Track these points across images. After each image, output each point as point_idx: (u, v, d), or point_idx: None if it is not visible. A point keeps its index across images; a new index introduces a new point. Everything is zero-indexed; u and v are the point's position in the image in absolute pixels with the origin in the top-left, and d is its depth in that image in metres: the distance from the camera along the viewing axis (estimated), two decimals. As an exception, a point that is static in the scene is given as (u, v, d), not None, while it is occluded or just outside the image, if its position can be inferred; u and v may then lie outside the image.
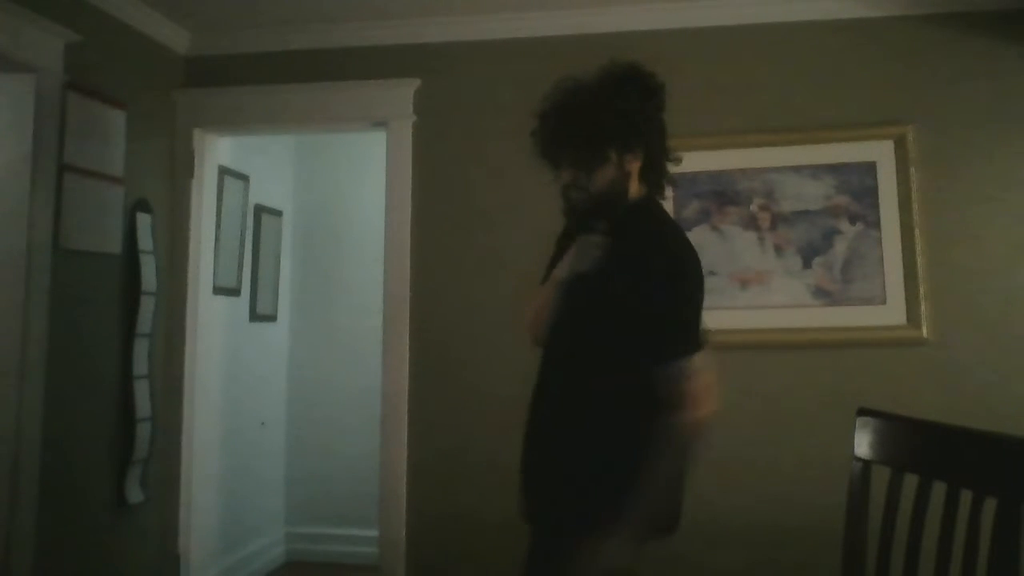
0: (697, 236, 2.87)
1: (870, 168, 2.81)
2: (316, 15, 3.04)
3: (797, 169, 2.85)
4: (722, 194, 2.88)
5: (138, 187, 2.95)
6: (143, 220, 2.95)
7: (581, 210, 1.64)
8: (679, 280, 1.58)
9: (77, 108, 2.62)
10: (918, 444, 1.43)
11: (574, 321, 1.63)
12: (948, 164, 2.78)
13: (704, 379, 1.54)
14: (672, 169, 1.71)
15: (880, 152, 2.81)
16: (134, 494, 2.86)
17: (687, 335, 1.56)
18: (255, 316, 3.92)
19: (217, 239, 3.40)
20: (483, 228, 3.01)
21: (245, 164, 3.78)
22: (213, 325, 3.36)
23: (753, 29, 2.92)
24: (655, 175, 1.68)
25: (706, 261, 2.80)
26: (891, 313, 2.75)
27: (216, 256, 3.39)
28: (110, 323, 2.81)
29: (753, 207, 2.87)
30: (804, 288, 2.81)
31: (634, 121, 1.60)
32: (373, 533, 3.13)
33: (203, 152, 3.24)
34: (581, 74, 1.64)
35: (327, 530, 4.10)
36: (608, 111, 1.59)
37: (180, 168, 3.18)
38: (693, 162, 2.89)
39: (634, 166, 1.63)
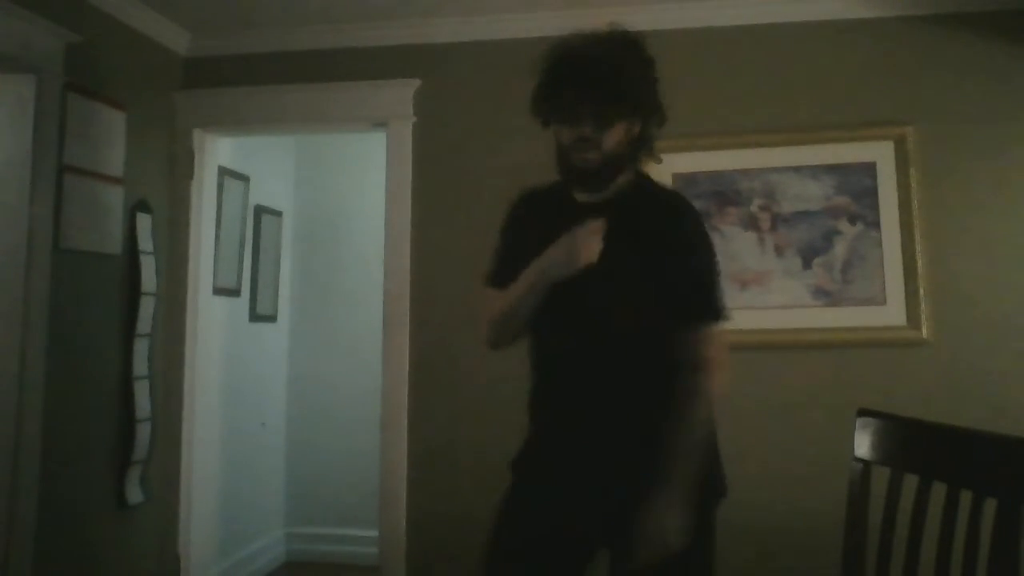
0: (697, 236, 2.88)
1: (870, 168, 2.81)
2: (316, 15, 3.04)
3: (797, 169, 2.85)
4: (722, 194, 2.88)
5: (138, 187, 2.95)
6: (143, 220, 2.95)
7: (590, 170, 1.56)
8: (706, 242, 1.63)
9: (77, 108, 2.62)
10: (918, 444, 1.44)
11: (607, 313, 1.57)
12: (948, 164, 2.78)
13: (721, 346, 1.58)
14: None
15: (880, 152, 2.81)
16: (134, 494, 2.86)
17: (717, 298, 1.60)
18: (255, 316, 3.92)
19: (217, 239, 3.40)
20: (483, 228, 3.00)
21: (245, 164, 3.78)
22: (213, 325, 3.36)
23: (753, 29, 2.92)
24: (643, 148, 1.64)
25: (706, 261, 2.84)
26: (891, 313, 2.75)
27: (216, 256, 3.39)
28: (110, 323, 2.81)
29: (753, 207, 2.87)
30: (804, 288, 2.81)
31: (647, 86, 1.59)
32: (373, 533, 3.12)
33: (203, 152, 3.24)
34: (581, 37, 1.60)
35: (327, 530, 4.10)
36: (629, 69, 1.56)
37: (180, 168, 3.18)
38: (693, 162, 2.91)
39: (635, 133, 1.59)
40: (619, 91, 1.53)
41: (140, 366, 2.90)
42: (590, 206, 1.60)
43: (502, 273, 1.69)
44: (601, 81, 1.52)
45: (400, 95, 3.09)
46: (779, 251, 2.84)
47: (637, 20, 2.93)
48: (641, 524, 1.47)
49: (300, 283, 4.29)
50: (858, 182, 2.82)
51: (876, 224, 2.79)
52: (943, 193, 2.77)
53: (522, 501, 1.65)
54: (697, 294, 1.58)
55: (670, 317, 1.56)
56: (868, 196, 2.80)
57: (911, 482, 1.38)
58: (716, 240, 2.80)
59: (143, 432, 2.90)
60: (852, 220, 2.81)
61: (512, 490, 1.68)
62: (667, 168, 2.90)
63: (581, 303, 1.57)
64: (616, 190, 1.60)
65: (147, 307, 2.93)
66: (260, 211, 3.95)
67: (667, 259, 1.55)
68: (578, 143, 1.54)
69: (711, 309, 1.59)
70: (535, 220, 1.67)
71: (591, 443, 1.57)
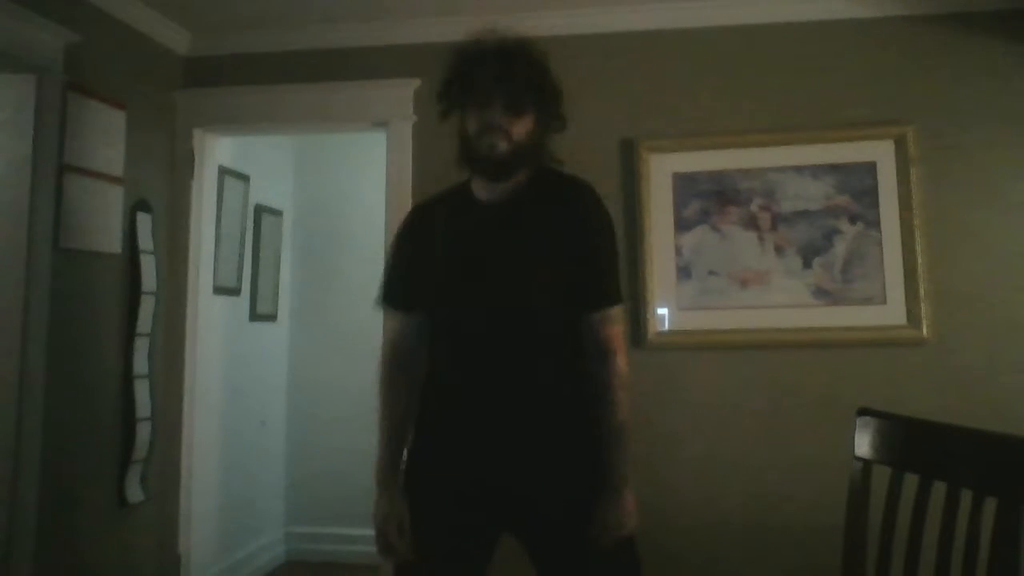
0: (697, 236, 2.88)
1: (870, 168, 2.81)
2: (316, 15, 3.04)
3: (797, 169, 2.85)
4: (722, 194, 2.88)
5: (138, 187, 2.95)
6: (143, 220, 2.95)
7: (498, 158, 1.56)
8: (607, 226, 1.66)
9: (77, 108, 2.62)
10: (918, 444, 1.43)
11: (516, 292, 1.58)
12: (948, 164, 2.78)
13: (620, 329, 1.62)
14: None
15: (880, 152, 2.81)
16: (134, 494, 2.87)
17: (616, 282, 1.64)
18: (255, 316, 3.92)
19: (217, 239, 3.40)
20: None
21: (245, 164, 3.78)
22: (213, 325, 3.36)
23: (753, 29, 2.92)
24: (543, 152, 1.64)
25: (706, 261, 2.85)
26: (891, 313, 2.75)
27: (216, 256, 3.39)
28: (110, 323, 2.81)
29: (753, 207, 2.87)
30: (804, 288, 2.81)
31: (554, 85, 1.60)
32: (373, 533, 3.12)
33: (203, 152, 3.24)
34: (490, 35, 1.62)
35: (327, 530, 4.10)
36: (540, 62, 1.59)
37: (180, 168, 3.18)
38: (693, 162, 2.91)
39: (539, 132, 1.60)
40: (531, 79, 1.55)
41: (140, 366, 2.91)
42: (491, 206, 1.61)
43: (395, 291, 1.72)
44: (515, 66, 1.54)
45: (400, 95, 3.09)
46: (779, 251, 2.84)
47: (637, 20, 2.97)
48: (602, 510, 1.52)
49: (300, 283, 4.29)
50: (858, 182, 2.82)
51: (876, 224, 2.79)
52: (943, 193, 2.77)
53: (430, 487, 1.61)
54: (600, 278, 1.61)
55: (574, 303, 1.58)
56: (868, 196, 2.80)
57: (911, 482, 1.38)
58: (716, 240, 2.86)
59: (143, 432, 2.90)
60: (852, 220, 2.81)
61: (416, 476, 1.65)
62: (667, 168, 2.91)
63: (490, 282, 1.57)
64: (515, 187, 1.61)
65: (147, 307, 2.93)
66: (260, 211, 3.95)
67: (569, 244, 1.57)
68: (487, 130, 1.54)
69: (614, 294, 1.62)
70: (433, 228, 1.67)
71: (504, 424, 1.56)
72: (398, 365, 1.69)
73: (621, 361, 1.58)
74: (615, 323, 1.60)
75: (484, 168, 1.59)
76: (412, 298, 1.68)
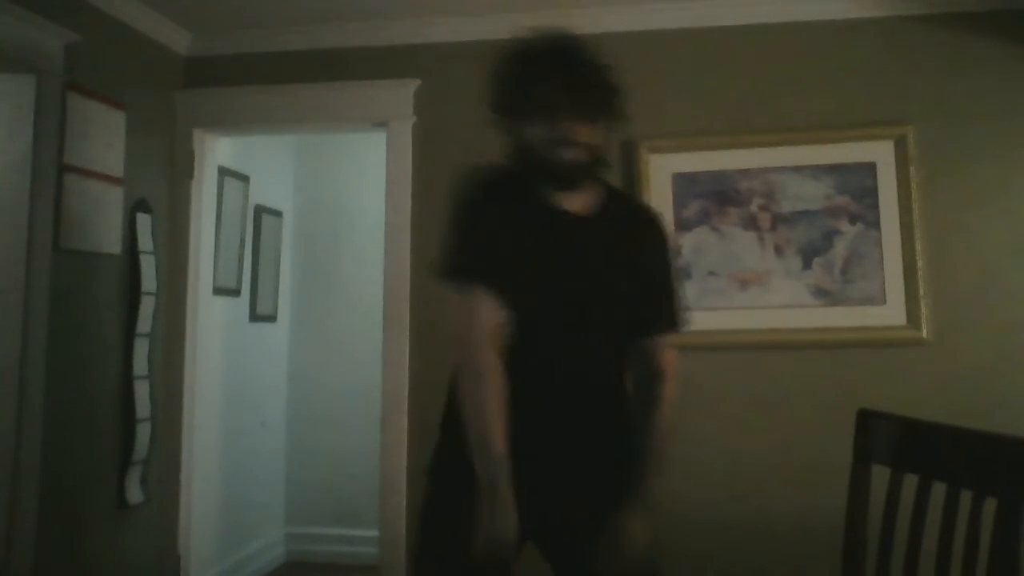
0: (697, 236, 2.88)
1: (870, 168, 2.81)
2: (316, 15, 3.04)
3: (797, 169, 2.85)
4: (722, 194, 2.88)
5: (138, 187, 2.95)
6: (143, 220, 2.95)
7: (576, 166, 1.51)
8: (673, 252, 1.68)
9: (77, 108, 2.62)
10: (918, 444, 1.43)
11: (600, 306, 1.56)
12: (948, 164, 2.78)
13: (674, 355, 1.64)
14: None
15: (880, 152, 2.81)
16: (134, 494, 2.87)
17: (680, 307, 1.66)
18: (255, 316, 3.92)
19: (217, 239, 3.40)
20: (483, 228, 3.01)
21: (245, 164, 3.78)
22: (213, 325, 3.36)
23: (753, 29, 2.92)
24: (606, 155, 1.59)
25: (706, 262, 2.85)
26: (891, 313, 2.75)
27: (216, 256, 3.39)
28: (110, 323, 2.81)
29: (753, 207, 2.87)
30: (804, 288, 2.81)
31: (620, 86, 1.56)
32: (373, 533, 3.12)
33: (203, 152, 3.24)
34: (544, 34, 1.58)
35: (327, 530, 4.10)
36: (608, 67, 1.54)
37: (180, 168, 3.18)
38: (693, 162, 2.91)
39: (605, 135, 1.56)
40: (600, 83, 1.51)
41: (140, 366, 2.90)
42: (574, 216, 1.56)
43: (470, 265, 1.56)
44: (584, 72, 1.49)
45: (400, 95, 3.09)
46: (779, 251, 2.84)
47: (636, 20, 2.97)
48: (625, 538, 1.49)
49: (300, 283, 4.29)
50: (858, 182, 2.82)
51: (876, 224, 2.79)
52: (943, 193, 2.77)
53: (458, 499, 1.50)
54: (667, 302, 1.64)
55: (638, 324, 1.60)
56: (868, 196, 2.80)
57: (911, 482, 1.38)
58: (716, 240, 2.86)
59: (143, 432, 2.90)
60: (852, 220, 2.81)
61: (443, 487, 1.61)
62: (667, 168, 2.91)
63: (571, 292, 1.54)
64: (595, 198, 1.59)
65: (147, 307, 2.93)
66: (260, 211, 3.95)
67: (646, 267, 1.59)
68: (562, 141, 1.48)
69: (677, 317, 1.65)
70: (504, 215, 1.58)
71: (555, 439, 1.53)
72: (492, 351, 1.49)
73: (671, 387, 1.60)
74: (670, 348, 1.63)
75: (559, 179, 1.53)
76: (496, 275, 1.52)
